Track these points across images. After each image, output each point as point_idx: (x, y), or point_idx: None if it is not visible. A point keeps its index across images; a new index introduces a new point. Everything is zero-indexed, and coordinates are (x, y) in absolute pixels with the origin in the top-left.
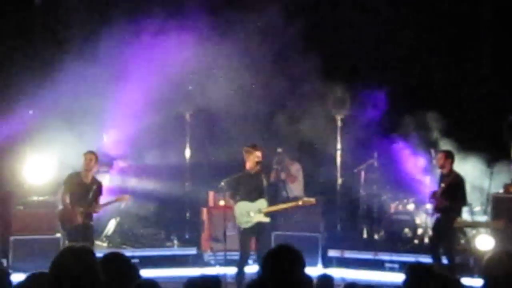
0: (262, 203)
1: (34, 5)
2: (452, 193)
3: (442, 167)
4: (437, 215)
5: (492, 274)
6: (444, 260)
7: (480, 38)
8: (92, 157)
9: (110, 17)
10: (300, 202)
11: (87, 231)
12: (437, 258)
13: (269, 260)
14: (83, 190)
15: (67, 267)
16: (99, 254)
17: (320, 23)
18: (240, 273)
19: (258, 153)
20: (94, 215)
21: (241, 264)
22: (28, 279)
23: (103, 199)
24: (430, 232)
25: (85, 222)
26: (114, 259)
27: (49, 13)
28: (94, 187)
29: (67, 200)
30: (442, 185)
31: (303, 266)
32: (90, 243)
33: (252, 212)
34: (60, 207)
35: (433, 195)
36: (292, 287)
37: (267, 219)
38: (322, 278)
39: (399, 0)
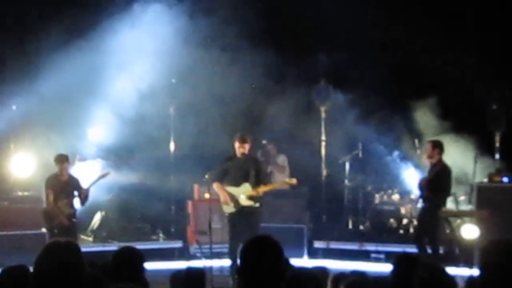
0: (246, 187)
1: None
2: (437, 183)
3: (430, 157)
4: (422, 204)
5: (489, 263)
6: (429, 250)
7: (466, 29)
8: (63, 162)
9: (94, 12)
10: (281, 183)
11: (70, 228)
12: (422, 248)
13: (246, 250)
14: (63, 186)
15: (52, 262)
16: (84, 248)
17: (299, 15)
18: (234, 264)
19: (237, 145)
20: (79, 209)
21: (232, 254)
22: (3, 272)
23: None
24: (415, 222)
25: (69, 217)
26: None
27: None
28: (72, 182)
29: (50, 199)
30: (428, 175)
31: (281, 256)
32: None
33: (236, 196)
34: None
35: (421, 183)
36: (270, 277)
37: (249, 203)
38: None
39: None
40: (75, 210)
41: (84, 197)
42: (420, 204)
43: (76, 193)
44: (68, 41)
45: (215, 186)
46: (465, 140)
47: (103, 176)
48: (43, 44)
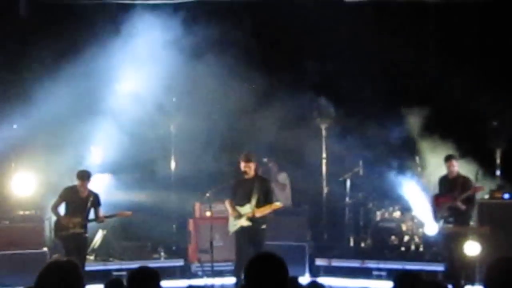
0: (246, 209)
1: (20, 17)
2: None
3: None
4: (443, 223)
5: (493, 280)
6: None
7: (466, 44)
8: (84, 179)
9: (95, 32)
10: (269, 208)
11: (81, 241)
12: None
13: (250, 268)
14: (80, 202)
15: (52, 281)
16: (85, 267)
17: (298, 32)
18: (239, 281)
19: (242, 165)
20: None
21: (237, 271)
22: None
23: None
24: (416, 239)
25: (80, 232)
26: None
27: (35, 26)
28: (91, 198)
29: (57, 210)
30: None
31: (286, 273)
32: (83, 254)
33: (239, 216)
34: (52, 217)
35: (439, 200)
36: None
37: (248, 223)
38: (312, 285)
39: None
40: (85, 229)
41: (99, 222)
42: (432, 224)
43: (93, 211)
44: (66, 59)
45: (227, 203)
46: (466, 157)
47: (121, 215)
48: (40, 63)
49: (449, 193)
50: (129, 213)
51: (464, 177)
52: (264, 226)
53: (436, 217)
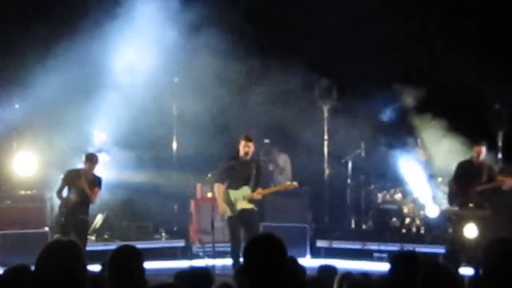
0: (245, 190)
1: None
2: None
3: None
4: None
5: (491, 261)
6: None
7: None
8: (94, 160)
9: (96, 13)
10: (282, 187)
11: (83, 225)
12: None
13: (249, 249)
14: (83, 187)
15: (53, 261)
16: (86, 248)
17: (302, 19)
18: (236, 263)
19: (242, 143)
20: None
21: (234, 254)
22: (5, 272)
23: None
24: (417, 221)
25: (81, 217)
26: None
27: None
28: (96, 183)
29: (62, 194)
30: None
31: (284, 254)
32: (83, 237)
33: (236, 199)
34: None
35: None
36: (274, 275)
37: (250, 206)
38: (324, 269)
39: None
40: (87, 213)
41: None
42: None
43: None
44: (65, 38)
45: (216, 189)
46: (467, 139)
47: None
48: (39, 42)
49: (476, 178)
50: None
51: (489, 165)
52: (256, 208)
53: (454, 202)
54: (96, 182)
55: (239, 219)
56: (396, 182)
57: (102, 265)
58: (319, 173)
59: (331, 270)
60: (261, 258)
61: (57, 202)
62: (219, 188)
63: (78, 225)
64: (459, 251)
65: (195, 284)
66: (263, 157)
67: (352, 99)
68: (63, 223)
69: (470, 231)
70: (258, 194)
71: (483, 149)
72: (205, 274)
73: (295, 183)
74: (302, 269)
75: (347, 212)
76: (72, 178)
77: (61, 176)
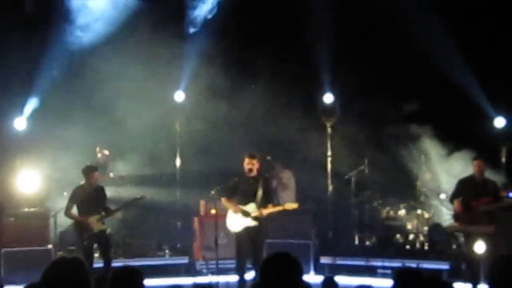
0: (251, 208)
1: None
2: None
3: (481, 173)
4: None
5: (497, 278)
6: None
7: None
8: (93, 170)
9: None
10: (285, 206)
11: (103, 238)
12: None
13: (266, 267)
14: (91, 198)
15: (58, 278)
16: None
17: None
18: (241, 280)
19: (246, 161)
20: None
21: (239, 270)
22: None
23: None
24: (421, 238)
25: (104, 229)
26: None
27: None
28: (98, 191)
29: (73, 213)
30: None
31: (301, 273)
32: (107, 250)
33: (241, 216)
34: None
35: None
36: None
37: (254, 223)
38: (327, 281)
39: None
40: (104, 223)
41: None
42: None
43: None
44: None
45: (224, 200)
46: (471, 155)
47: (138, 200)
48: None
49: (481, 196)
50: (143, 196)
51: (493, 182)
52: (263, 225)
53: (458, 219)
54: (102, 192)
55: (246, 235)
56: (400, 198)
57: (96, 279)
58: (322, 190)
59: (331, 282)
60: (279, 275)
61: (61, 219)
62: (226, 199)
63: (103, 238)
64: (476, 267)
65: None
66: (266, 173)
67: (355, 115)
68: (86, 246)
69: (480, 247)
70: (263, 212)
71: (481, 163)
72: None
73: (295, 205)
74: (308, 286)
75: (350, 229)
76: (79, 194)
77: (66, 194)
